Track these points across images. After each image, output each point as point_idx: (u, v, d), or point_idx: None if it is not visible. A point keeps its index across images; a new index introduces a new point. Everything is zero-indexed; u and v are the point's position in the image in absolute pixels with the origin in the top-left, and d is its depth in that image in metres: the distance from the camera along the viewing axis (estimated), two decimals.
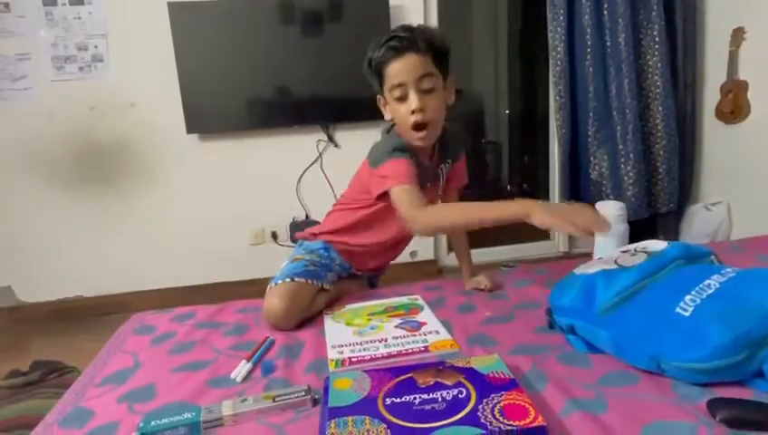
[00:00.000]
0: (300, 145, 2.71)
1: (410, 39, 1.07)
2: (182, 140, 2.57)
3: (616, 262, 0.94)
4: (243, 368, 0.94)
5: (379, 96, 1.19)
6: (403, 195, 1.08)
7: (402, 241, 1.39)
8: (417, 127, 1.10)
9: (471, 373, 0.81)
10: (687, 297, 0.80)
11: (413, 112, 1.09)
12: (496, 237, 3.22)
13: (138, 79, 2.51)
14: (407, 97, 1.09)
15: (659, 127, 2.78)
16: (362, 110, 2.72)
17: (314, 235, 1.38)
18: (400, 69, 1.07)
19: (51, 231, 2.59)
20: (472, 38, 4.49)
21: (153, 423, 0.76)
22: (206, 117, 2.53)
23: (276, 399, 0.81)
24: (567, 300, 0.94)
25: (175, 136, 2.55)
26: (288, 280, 1.16)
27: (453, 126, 1.26)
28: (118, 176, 2.61)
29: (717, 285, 0.81)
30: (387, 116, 1.18)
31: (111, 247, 2.65)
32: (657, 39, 2.69)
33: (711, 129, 2.86)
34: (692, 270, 0.87)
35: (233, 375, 0.93)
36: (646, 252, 0.93)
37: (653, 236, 3.01)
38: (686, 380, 0.76)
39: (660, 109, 2.76)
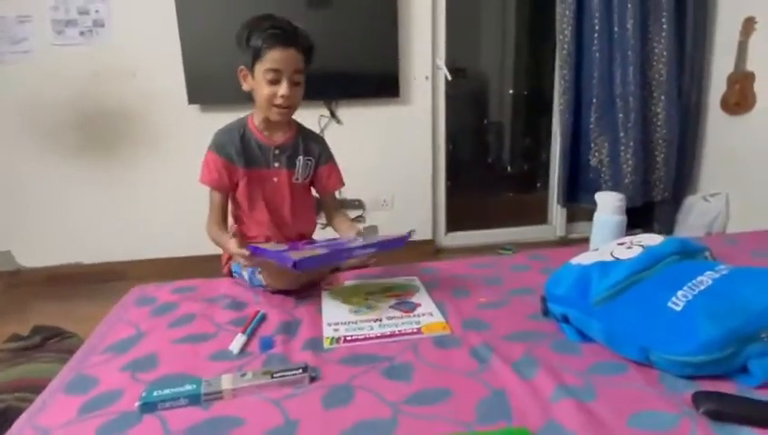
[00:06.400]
0: (301, 120, 2.72)
1: (295, 35, 1.24)
2: (183, 111, 2.55)
3: (612, 254, 0.95)
4: (239, 340, 0.97)
5: (242, 68, 1.29)
6: (210, 199, 1.36)
7: (291, 200, 1.40)
8: (280, 106, 1.27)
9: None
10: (680, 293, 0.82)
11: (281, 97, 1.25)
12: (494, 220, 3.24)
13: (140, 46, 2.48)
14: (278, 82, 1.24)
15: (661, 116, 2.78)
16: (366, 86, 2.72)
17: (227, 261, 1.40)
18: (281, 58, 1.22)
19: (51, 196, 2.60)
20: (479, 16, 4.42)
21: (156, 393, 0.79)
22: (207, 88, 2.50)
23: (274, 375, 0.83)
24: (562, 290, 0.96)
25: (176, 106, 2.54)
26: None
27: (310, 130, 1.47)
28: (119, 143, 2.60)
29: (710, 282, 0.83)
30: (245, 87, 1.31)
31: (111, 215, 2.66)
32: (665, 27, 2.66)
33: (715, 119, 2.86)
34: (686, 266, 0.89)
35: (230, 347, 0.95)
36: (642, 246, 0.94)
37: (649, 224, 3.04)
38: (674, 372, 0.79)
39: (663, 98, 2.75)
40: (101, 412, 0.77)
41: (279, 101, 1.25)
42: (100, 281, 2.59)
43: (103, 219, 2.66)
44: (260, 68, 1.23)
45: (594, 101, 2.75)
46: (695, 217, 2.86)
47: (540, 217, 3.27)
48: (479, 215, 3.39)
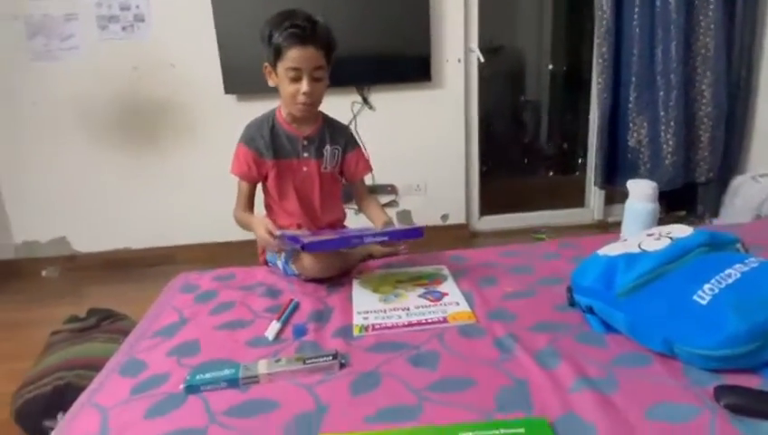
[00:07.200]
0: (334, 107, 2.74)
1: (313, 33, 1.24)
2: (220, 101, 2.63)
3: (639, 246, 0.95)
4: (274, 327, 1.03)
5: (267, 64, 1.32)
6: (238, 187, 1.43)
7: (317, 189, 1.44)
8: (302, 104, 1.31)
9: None
10: (706, 286, 0.81)
11: (303, 94, 1.28)
12: (530, 203, 3.20)
13: (178, 39, 2.57)
14: (300, 79, 1.27)
15: (706, 93, 2.65)
16: (399, 72, 2.72)
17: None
18: (300, 57, 1.24)
19: (100, 184, 2.75)
20: None
21: (198, 377, 0.86)
22: (243, 78, 2.55)
23: (306, 361, 0.88)
24: (588, 280, 0.96)
25: (214, 96, 2.62)
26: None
27: (335, 120, 1.50)
28: (161, 133, 2.71)
29: (738, 275, 0.82)
30: (271, 83, 1.35)
31: (156, 202, 2.79)
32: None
33: (767, 95, 2.70)
34: (714, 258, 0.87)
35: (266, 334, 1.02)
36: (670, 237, 0.93)
37: (693, 206, 2.93)
38: (698, 365, 0.79)
39: (709, 73, 2.62)
40: (151, 393, 0.85)
41: (301, 98, 1.29)
42: (148, 265, 2.74)
43: (149, 206, 2.80)
44: (281, 66, 1.27)
45: (633, 79, 2.65)
46: (742, 200, 2.73)
47: (577, 199, 3.21)
48: (515, 197, 3.35)
